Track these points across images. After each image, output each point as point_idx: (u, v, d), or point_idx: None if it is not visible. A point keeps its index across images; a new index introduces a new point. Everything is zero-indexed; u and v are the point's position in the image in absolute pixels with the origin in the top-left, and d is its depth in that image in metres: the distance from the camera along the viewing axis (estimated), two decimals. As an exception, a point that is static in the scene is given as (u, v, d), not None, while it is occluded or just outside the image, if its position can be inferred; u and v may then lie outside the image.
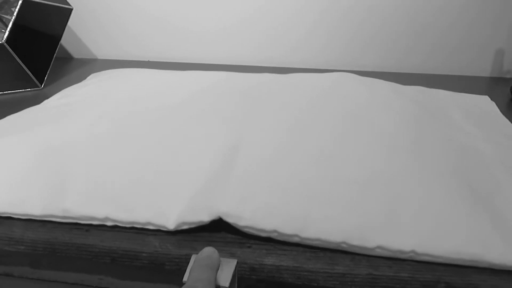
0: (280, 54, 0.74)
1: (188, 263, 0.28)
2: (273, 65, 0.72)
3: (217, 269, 0.27)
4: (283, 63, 0.73)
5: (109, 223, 0.32)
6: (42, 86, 0.65)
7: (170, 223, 0.31)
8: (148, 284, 0.32)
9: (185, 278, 0.27)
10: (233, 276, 0.28)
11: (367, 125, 0.42)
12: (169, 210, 0.31)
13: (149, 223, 0.31)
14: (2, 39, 0.59)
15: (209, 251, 0.27)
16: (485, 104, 0.52)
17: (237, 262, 0.28)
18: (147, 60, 0.77)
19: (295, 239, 0.30)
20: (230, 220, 0.30)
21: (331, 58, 0.73)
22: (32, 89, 0.65)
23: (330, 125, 0.42)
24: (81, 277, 0.33)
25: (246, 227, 0.30)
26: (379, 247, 0.29)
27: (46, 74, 0.66)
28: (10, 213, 0.33)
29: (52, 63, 0.68)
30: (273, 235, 0.30)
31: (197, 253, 0.28)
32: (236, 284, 0.28)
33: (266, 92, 0.52)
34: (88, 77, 0.64)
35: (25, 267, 0.33)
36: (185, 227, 0.31)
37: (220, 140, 0.39)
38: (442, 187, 0.33)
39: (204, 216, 0.31)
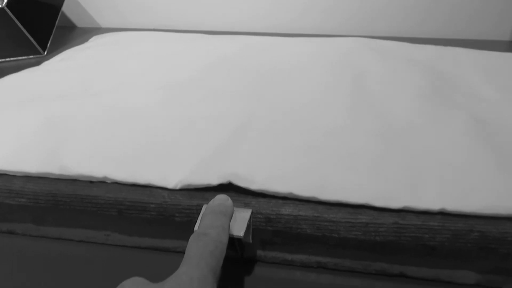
0: (287, 20, 0.70)
1: (199, 213, 0.26)
2: (280, 31, 0.69)
3: (231, 217, 0.25)
4: (291, 29, 0.70)
5: (108, 182, 0.30)
6: (45, 53, 0.63)
7: (174, 185, 0.29)
8: (157, 240, 0.30)
9: (196, 227, 0.25)
10: (248, 226, 0.26)
11: (382, 98, 0.40)
12: (173, 172, 0.29)
13: (150, 185, 0.29)
14: (3, 3, 0.57)
15: (222, 198, 0.25)
16: (509, 62, 0.49)
17: (252, 212, 0.27)
18: (152, 28, 0.74)
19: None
20: (241, 183, 0.28)
21: (341, 23, 0.69)
22: (35, 56, 0.63)
23: (343, 98, 0.40)
24: (86, 234, 0.31)
25: (259, 190, 0.28)
26: (405, 207, 0.26)
27: (48, 41, 0.64)
28: (5, 171, 0.31)
29: (54, 30, 0.66)
30: (289, 197, 0.28)
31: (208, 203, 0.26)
32: (251, 236, 0.27)
33: (279, 62, 0.49)
34: (90, 39, 0.62)
35: (28, 224, 0.32)
36: (191, 188, 0.29)
37: (232, 118, 0.36)
38: (466, 146, 0.31)
39: (213, 179, 0.29)
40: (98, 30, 0.74)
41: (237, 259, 0.29)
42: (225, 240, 0.23)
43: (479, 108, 0.38)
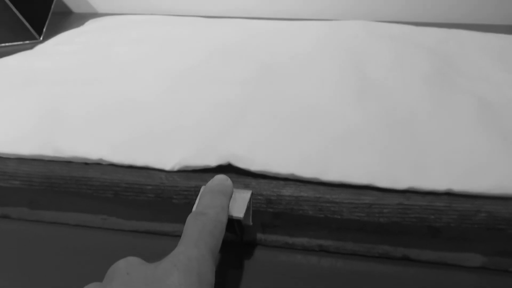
0: (291, 6, 0.69)
1: (197, 195, 0.25)
2: (283, 17, 0.68)
3: (230, 197, 0.24)
4: (295, 15, 0.69)
5: (104, 164, 0.29)
6: (41, 38, 0.62)
7: (172, 166, 0.28)
8: (154, 224, 0.30)
9: (194, 208, 0.24)
10: (248, 207, 0.25)
11: (387, 81, 0.39)
12: (171, 154, 0.29)
13: (147, 167, 0.29)
14: (-3, -13, 0.56)
15: (221, 178, 0.25)
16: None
17: (252, 193, 0.26)
18: (150, 13, 0.73)
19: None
20: (241, 165, 0.27)
21: (346, 8, 0.68)
22: (30, 41, 0.62)
23: (348, 81, 0.38)
24: (83, 218, 0.31)
25: (259, 171, 0.27)
26: (411, 188, 0.25)
27: (44, 26, 0.63)
28: None
29: (50, 15, 0.64)
30: (290, 178, 0.27)
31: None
32: (251, 218, 0.26)
33: (283, 47, 0.48)
34: (86, 23, 0.60)
35: (23, 208, 0.31)
36: (189, 169, 0.28)
37: (233, 102, 0.35)
38: (473, 127, 0.31)
39: (211, 160, 0.28)
40: (95, 16, 0.73)
41: (237, 242, 0.29)
42: (225, 220, 0.22)
43: (485, 90, 0.37)
